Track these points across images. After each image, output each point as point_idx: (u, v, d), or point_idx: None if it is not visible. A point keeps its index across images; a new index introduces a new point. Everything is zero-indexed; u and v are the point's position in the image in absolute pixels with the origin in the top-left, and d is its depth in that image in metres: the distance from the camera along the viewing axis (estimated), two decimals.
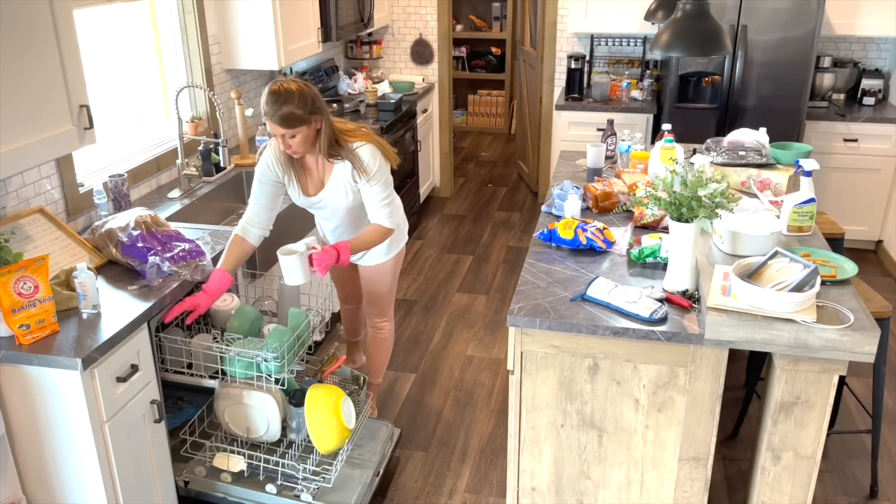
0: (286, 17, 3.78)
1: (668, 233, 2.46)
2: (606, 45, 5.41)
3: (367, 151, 2.57)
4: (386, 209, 2.66)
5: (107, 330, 2.13)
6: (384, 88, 5.18)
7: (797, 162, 2.84)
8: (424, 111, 5.47)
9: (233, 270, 2.61)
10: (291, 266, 2.46)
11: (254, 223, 2.69)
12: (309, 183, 2.69)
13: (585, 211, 2.95)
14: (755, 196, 2.79)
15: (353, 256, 2.68)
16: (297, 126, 2.44)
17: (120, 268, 2.51)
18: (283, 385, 2.51)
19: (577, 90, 5.14)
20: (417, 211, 5.40)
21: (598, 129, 4.90)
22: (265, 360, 2.42)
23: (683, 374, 2.13)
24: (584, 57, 5.12)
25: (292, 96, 2.41)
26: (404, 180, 4.96)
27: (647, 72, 5.29)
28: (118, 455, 2.18)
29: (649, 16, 4.39)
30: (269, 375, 2.47)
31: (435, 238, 5.28)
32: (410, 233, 5.17)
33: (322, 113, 2.50)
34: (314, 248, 2.52)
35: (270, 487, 2.56)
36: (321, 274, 2.51)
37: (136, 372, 2.23)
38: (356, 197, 2.68)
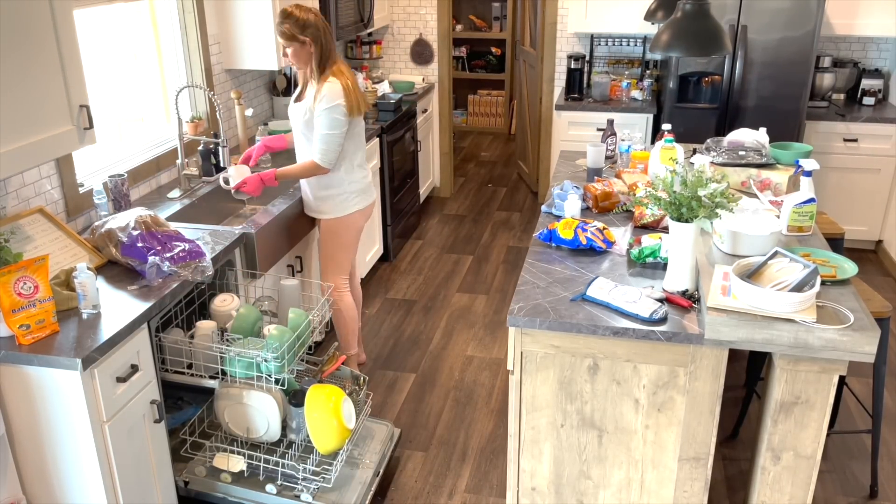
0: None
1: (668, 233, 2.46)
2: (606, 45, 5.42)
3: (328, 87, 2.90)
4: (321, 144, 2.95)
5: (107, 330, 2.13)
6: (384, 88, 5.18)
7: (797, 162, 2.84)
8: (424, 111, 5.47)
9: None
10: (235, 170, 3.04)
11: None
12: (303, 93, 3.08)
13: (585, 211, 2.95)
14: (755, 196, 2.79)
15: (314, 211, 3.17)
16: (290, 41, 2.92)
17: (120, 268, 2.51)
18: (283, 385, 2.51)
19: (577, 90, 5.14)
20: (417, 211, 5.41)
21: (598, 129, 4.90)
22: (265, 361, 2.42)
23: (683, 374, 2.13)
24: (584, 57, 5.12)
25: (292, 17, 2.90)
26: (404, 180, 4.96)
27: (647, 72, 5.29)
28: (118, 455, 2.18)
29: (649, 16, 4.39)
30: (270, 375, 2.47)
31: (435, 238, 5.28)
32: (409, 233, 5.23)
33: (316, 41, 2.91)
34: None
35: (270, 487, 2.56)
36: (247, 188, 2.99)
37: (136, 372, 2.23)
38: (305, 122, 2.99)
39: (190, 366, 2.56)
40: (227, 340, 2.54)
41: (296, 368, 2.56)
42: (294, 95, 3.11)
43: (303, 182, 3.19)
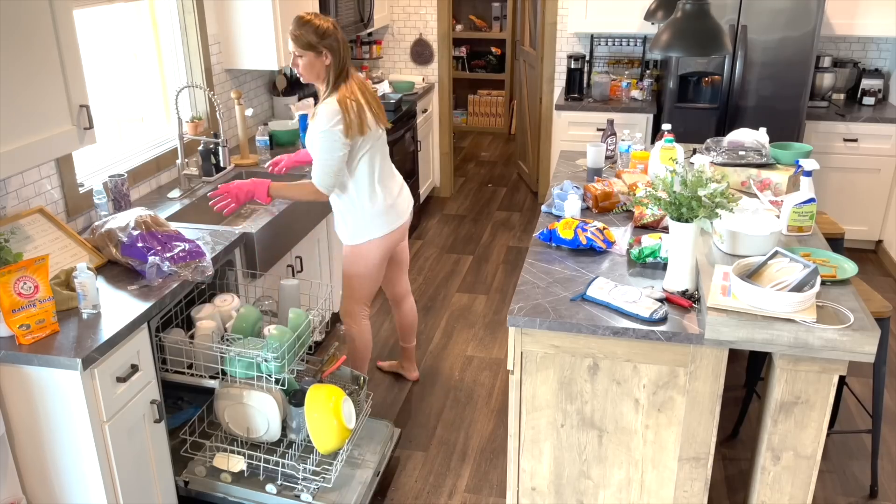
0: (286, 17, 3.77)
1: (668, 233, 2.46)
2: (606, 45, 5.42)
3: (323, 108, 2.71)
4: (317, 167, 2.75)
5: (107, 330, 2.13)
6: (384, 88, 5.18)
7: (797, 162, 2.84)
8: (424, 111, 5.47)
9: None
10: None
11: None
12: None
13: (585, 211, 2.95)
14: (755, 196, 2.79)
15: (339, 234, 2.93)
16: (304, 49, 2.71)
17: (120, 268, 2.51)
18: (283, 385, 2.51)
19: (577, 90, 5.14)
20: (417, 211, 5.40)
21: (598, 129, 4.90)
22: (265, 361, 2.42)
23: (683, 374, 2.13)
24: (584, 57, 5.12)
25: (310, 25, 2.71)
26: (404, 180, 4.96)
27: (647, 72, 5.29)
28: (118, 455, 2.18)
29: (649, 16, 4.39)
30: (270, 375, 2.47)
31: (435, 238, 5.28)
32: (409, 233, 5.21)
33: (334, 53, 2.72)
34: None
35: (270, 487, 2.56)
36: (230, 193, 2.81)
37: (136, 372, 2.23)
38: (310, 145, 2.79)
39: (190, 366, 2.56)
40: (228, 340, 2.54)
41: (296, 368, 2.56)
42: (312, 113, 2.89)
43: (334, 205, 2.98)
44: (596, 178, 3.14)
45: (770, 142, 3.12)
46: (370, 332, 3.21)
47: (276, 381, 2.50)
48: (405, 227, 3.07)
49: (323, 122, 2.69)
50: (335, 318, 3.83)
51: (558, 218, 2.85)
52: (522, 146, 6.41)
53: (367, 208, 2.89)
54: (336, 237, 3.24)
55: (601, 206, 2.91)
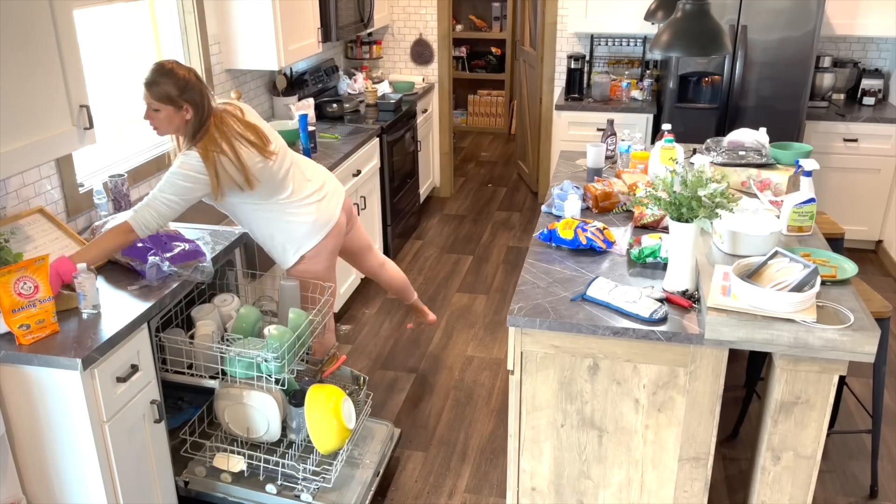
0: (286, 17, 3.78)
1: (668, 233, 2.46)
2: (606, 45, 5.42)
3: (181, 158, 2.45)
4: (145, 200, 2.44)
5: (107, 330, 2.13)
6: (384, 88, 5.18)
7: (797, 162, 2.84)
8: (424, 111, 5.47)
9: None
10: None
11: None
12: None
13: (585, 211, 2.95)
14: (755, 196, 2.79)
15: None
16: (162, 102, 2.42)
17: (120, 268, 2.51)
18: (283, 385, 2.51)
19: (577, 90, 5.14)
20: (417, 211, 5.41)
21: (598, 129, 4.90)
22: (266, 361, 2.42)
23: (683, 374, 2.13)
24: (584, 57, 5.12)
25: (174, 75, 2.41)
26: (404, 180, 4.97)
27: (647, 72, 5.29)
28: (118, 455, 2.18)
29: (649, 16, 4.39)
30: (270, 375, 2.47)
31: (435, 238, 5.28)
32: (409, 233, 5.23)
33: (195, 106, 2.43)
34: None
35: (270, 487, 2.56)
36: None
37: (136, 372, 2.23)
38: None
39: (190, 366, 2.56)
40: (228, 340, 2.54)
41: (296, 368, 2.56)
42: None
43: (269, 246, 2.77)
44: (596, 178, 3.14)
45: (770, 142, 3.12)
46: (335, 347, 3.09)
47: (277, 382, 2.50)
48: (340, 226, 2.84)
49: (176, 169, 2.43)
50: (336, 317, 3.83)
51: (558, 218, 2.85)
52: (522, 146, 6.41)
53: (288, 235, 2.71)
54: None
55: (601, 206, 2.91)
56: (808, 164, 2.62)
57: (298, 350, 2.54)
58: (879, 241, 4.88)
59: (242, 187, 2.54)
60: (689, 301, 2.20)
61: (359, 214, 3.47)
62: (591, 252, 2.59)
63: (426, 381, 3.58)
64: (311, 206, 2.73)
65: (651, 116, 4.87)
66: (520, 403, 2.31)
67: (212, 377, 2.57)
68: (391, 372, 3.64)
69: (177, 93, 2.41)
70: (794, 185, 2.80)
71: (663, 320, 2.12)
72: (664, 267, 2.43)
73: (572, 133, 5.00)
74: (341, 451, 2.64)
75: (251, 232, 2.76)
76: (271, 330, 2.52)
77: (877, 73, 4.93)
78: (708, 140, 3.19)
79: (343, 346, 3.84)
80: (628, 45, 5.39)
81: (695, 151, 3.38)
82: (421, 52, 5.67)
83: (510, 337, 2.22)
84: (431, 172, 5.88)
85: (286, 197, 2.67)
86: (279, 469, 2.57)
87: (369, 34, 5.57)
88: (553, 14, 5.37)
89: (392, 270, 3.43)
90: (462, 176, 6.65)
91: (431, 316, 3.62)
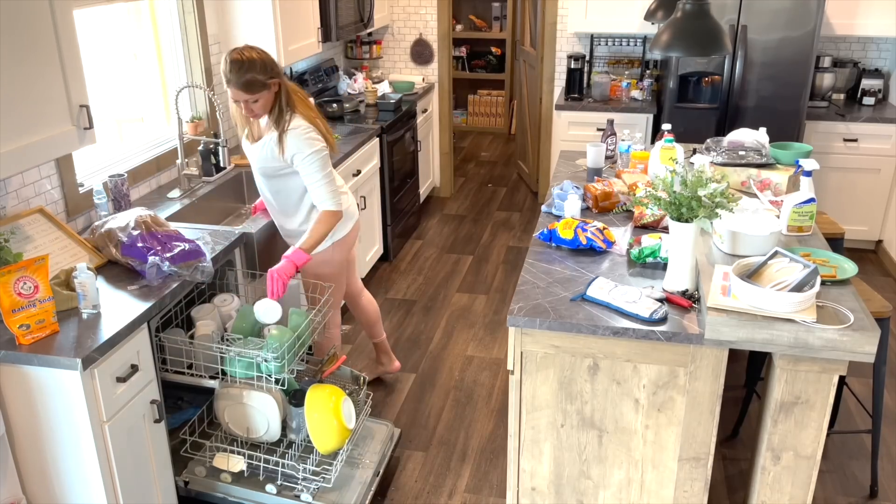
0: (286, 17, 3.77)
1: (668, 233, 2.46)
2: (606, 45, 5.41)
3: (294, 135, 2.61)
4: (321, 189, 2.67)
5: (107, 330, 2.13)
6: (384, 88, 5.18)
7: (797, 162, 2.84)
8: (424, 111, 5.47)
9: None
10: (266, 308, 2.56)
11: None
12: (252, 128, 2.76)
13: (585, 211, 2.95)
14: (755, 196, 2.79)
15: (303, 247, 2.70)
16: (259, 91, 2.56)
17: (120, 268, 2.51)
18: (283, 385, 2.51)
19: (577, 90, 5.14)
20: (417, 211, 5.41)
21: (598, 129, 4.90)
22: (266, 361, 2.42)
23: (683, 374, 2.13)
24: (584, 57, 5.12)
25: (254, 64, 2.53)
26: (404, 180, 4.96)
27: (647, 72, 5.29)
28: (118, 455, 2.18)
29: (649, 16, 4.39)
30: (270, 375, 2.47)
31: (435, 238, 5.28)
32: (409, 233, 5.23)
33: (280, 76, 2.61)
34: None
35: (270, 487, 2.56)
36: (277, 291, 2.59)
37: (136, 372, 2.23)
38: (270, 169, 2.71)
39: (190, 366, 2.56)
40: (228, 340, 2.54)
41: (296, 368, 2.56)
42: (248, 133, 2.77)
43: (276, 216, 2.91)
44: (596, 178, 3.14)
45: (770, 142, 3.12)
46: (339, 340, 3.16)
47: (277, 382, 2.50)
48: (359, 223, 3.03)
49: (301, 147, 2.61)
50: None
51: (558, 218, 2.85)
52: (522, 146, 6.41)
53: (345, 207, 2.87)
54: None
55: (601, 206, 2.91)
56: (808, 164, 2.62)
57: (298, 350, 2.54)
58: (879, 241, 4.88)
59: (332, 150, 2.72)
60: (689, 301, 2.20)
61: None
62: (591, 252, 2.59)
63: (426, 381, 3.58)
64: (345, 196, 2.90)
65: (651, 116, 4.87)
66: (520, 403, 2.31)
67: (212, 377, 2.57)
68: (391, 374, 3.64)
69: (263, 77, 2.56)
70: (794, 185, 2.80)
71: (663, 320, 2.12)
72: (664, 267, 2.43)
73: (572, 133, 5.00)
74: (341, 451, 2.64)
75: (294, 211, 2.82)
76: (271, 330, 2.52)
77: (877, 73, 4.93)
78: (708, 140, 3.19)
79: (343, 346, 3.84)
80: (628, 45, 5.39)
81: (695, 151, 3.38)
82: (421, 52, 5.67)
83: (510, 337, 2.22)
84: (431, 172, 5.88)
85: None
86: (279, 469, 2.57)
87: (369, 34, 5.57)
88: (553, 14, 5.37)
89: (369, 297, 3.44)
90: (462, 176, 6.65)
91: (396, 364, 3.56)
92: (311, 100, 2.83)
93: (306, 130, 2.63)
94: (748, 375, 3.28)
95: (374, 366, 3.56)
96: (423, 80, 5.66)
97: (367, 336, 3.53)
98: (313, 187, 2.68)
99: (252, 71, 2.52)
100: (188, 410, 2.85)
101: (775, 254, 2.16)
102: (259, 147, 2.71)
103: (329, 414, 2.49)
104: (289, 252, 2.66)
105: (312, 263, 2.85)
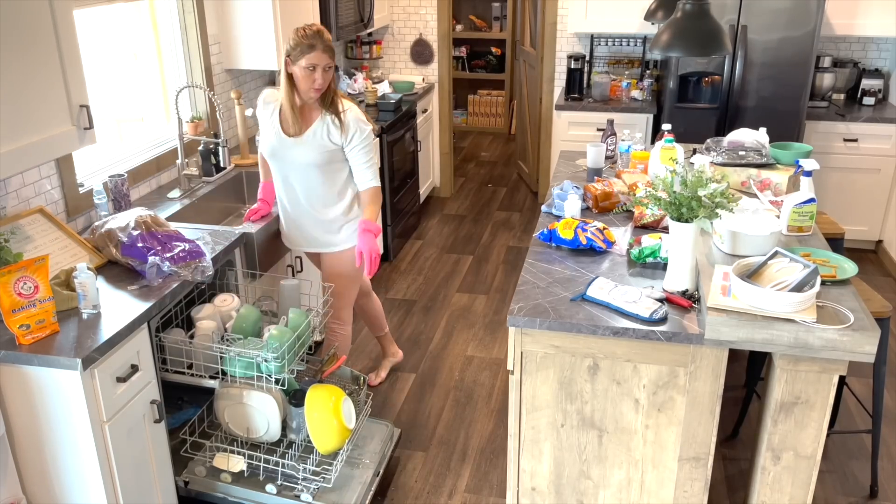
0: (286, 17, 3.77)
1: (668, 233, 2.46)
2: (606, 45, 5.42)
3: (354, 114, 2.76)
4: (372, 168, 2.83)
5: (107, 330, 2.13)
6: (384, 88, 5.18)
7: (797, 162, 2.84)
8: (424, 111, 5.47)
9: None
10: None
11: None
12: (291, 122, 2.74)
13: (585, 211, 2.95)
14: (755, 196, 2.79)
15: (321, 245, 2.93)
16: (334, 59, 2.69)
17: (120, 268, 2.51)
18: (283, 385, 2.51)
19: (577, 90, 5.14)
20: (417, 211, 5.40)
21: (598, 129, 4.90)
22: (266, 361, 2.42)
23: (683, 374, 2.13)
24: (584, 57, 5.12)
25: (328, 33, 2.68)
26: (404, 180, 4.96)
27: (647, 72, 5.29)
28: (118, 455, 2.18)
29: (649, 16, 4.39)
30: (270, 375, 2.47)
31: (435, 238, 5.28)
32: (409, 233, 5.22)
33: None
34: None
35: (270, 487, 2.56)
36: (373, 259, 2.78)
37: (136, 372, 2.23)
38: (325, 157, 2.75)
39: (190, 366, 2.56)
40: (228, 340, 2.54)
41: (296, 368, 2.56)
42: (275, 125, 2.75)
43: (308, 212, 2.88)
44: (596, 178, 3.14)
45: (770, 142, 3.12)
46: (335, 347, 3.12)
47: (276, 381, 2.50)
48: None
49: (360, 127, 2.75)
50: None
51: (558, 218, 2.85)
52: (522, 146, 6.41)
53: (357, 211, 2.91)
54: None
55: (601, 206, 2.91)
56: (808, 164, 2.62)
57: (298, 350, 2.54)
58: (879, 241, 4.88)
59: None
60: (689, 301, 2.20)
61: None
62: (591, 252, 2.59)
63: (426, 381, 3.59)
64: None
65: (651, 116, 4.87)
66: (520, 403, 2.31)
67: (211, 377, 2.57)
68: (391, 372, 3.64)
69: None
70: (794, 185, 2.80)
71: (663, 320, 2.12)
72: (664, 267, 2.43)
73: (572, 133, 5.00)
74: (341, 451, 2.64)
75: (339, 199, 2.86)
76: (271, 330, 2.52)
77: (877, 73, 4.93)
78: (708, 140, 3.19)
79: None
80: (628, 45, 5.39)
81: (695, 151, 3.38)
82: (421, 52, 5.67)
83: (510, 337, 2.22)
84: (431, 172, 5.88)
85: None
86: (279, 469, 2.57)
87: (369, 34, 5.57)
88: (553, 14, 5.37)
89: (374, 300, 3.47)
90: (462, 176, 6.65)
91: (399, 353, 3.65)
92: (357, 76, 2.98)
93: (359, 112, 2.78)
94: (748, 375, 3.28)
95: (383, 362, 3.60)
96: (423, 80, 5.66)
97: (372, 331, 3.56)
98: (365, 166, 2.81)
99: (329, 39, 2.66)
100: (188, 410, 2.85)
101: (775, 254, 2.16)
102: (310, 136, 2.73)
103: (329, 414, 2.49)
104: (359, 229, 2.80)
105: (338, 262, 2.95)
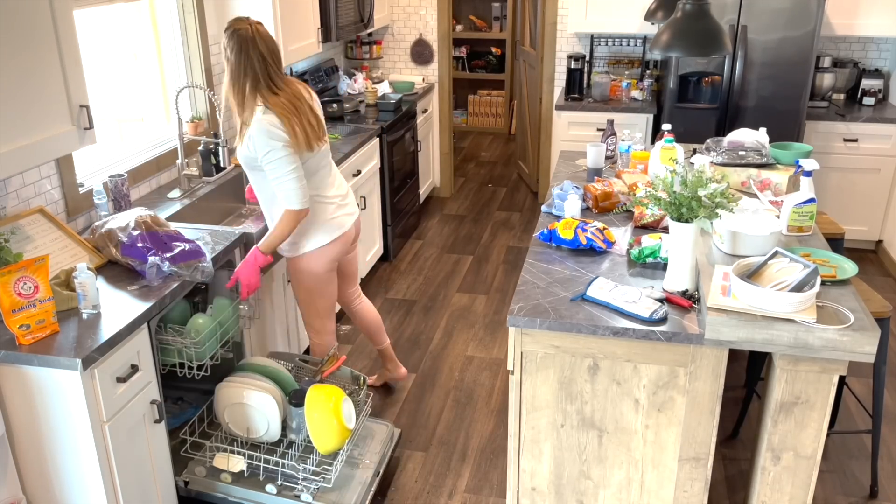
0: (286, 17, 3.77)
1: (668, 233, 2.46)
2: (606, 45, 5.42)
3: (255, 127, 2.54)
4: (281, 187, 2.55)
5: (107, 330, 2.13)
6: (384, 88, 5.18)
7: (797, 162, 2.84)
8: (424, 111, 5.47)
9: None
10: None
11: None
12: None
13: (585, 211, 2.95)
14: (755, 196, 2.80)
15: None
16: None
17: (120, 268, 2.51)
18: (206, 372, 2.56)
19: (577, 90, 5.14)
20: (417, 211, 5.41)
21: (598, 129, 4.90)
22: (186, 348, 2.47)
23: (683, 374, 2.13)
24: (584, 57, 5.12)
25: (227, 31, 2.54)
26: (404, 180, 4.97)
27: (647, 72, 5.29)
28: (118, 455, 2.18)
29: (649, 16, 4.39)
30: (192, 361, 2.51)
31: (435, 238, 5.28)
32: (409, 233, 5.22)
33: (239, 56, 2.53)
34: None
35: (270, 487, 2.56)
36: (246, 284, 2.64)
37: (136, 372, 2.23)
38: (246, 162, 2.66)
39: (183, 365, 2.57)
40: (171, 330, 2.56)
41: (219, 354, 2.61)
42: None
43: (267, 217, 2.82)
44: (596, 178, 3.14)
45: (770, 142, 3.12)
46: (335, 347, 3.08)
47: (199, 368, 2.55)
48: (347, 237, 2.87)
49: (258, 142, 2.53)
50: (336, 318, 3.82)
51: (558, 218, 2.85)
52: (522, 146, 6.41)
53: (312, 220, 2.74)
54: None
55: (601, 207, 2.91)
56: (808, 164, 2.62)
57: (221, 337, 2.60)
58: (879, 241, 4.88)
59: (305, 148, 2.61)
60: (689, 301, 2.20)
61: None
62: (591, 252, 2.59)
63: (426, 381, 3.58)
64: (330, 207, 2.80)
65: (651, 116, 4.87)
66: (520, 403, 2.31)
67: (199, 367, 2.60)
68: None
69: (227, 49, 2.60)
70: (794, 185, 2.80)
71: (663, 320, 2.12)
72: (664, 267, 2.43)
73: (572, 133, 5.00)
74: (341, 451, 2.64)
75: (272, 205, 2.73)
76: (197, 320, 2.56)
77: (877, 73, 4.93)
78: (708, 140, 3.19)
79: (343, 346, 3.84)
80: (628, 45, 5.39)
81: (695, 151, 3.38)
82: (421, 52, 5.67)
83: (510, 337, 2.22)
84: (431, 172, 5.88)
85: (315, 185, 2.74)
86: (279, 469, 2.57)
87: (369, 34, 5.57)
88: (553, 14, 5.37)
89: (368, 305, 3.36)
90: (462, 176, 6.65)
91: (403, 370, 3.49)
92: (314, 94, 2.80)
93: (265, 127, 2.53)
94: (748, 375, 3.28)
95: (382, 371, 3.53)
96: (423, 80, 5.66)
97: (371, 344, 3.49)
98: (275, 183, 2.58)
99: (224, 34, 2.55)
100: (188, 410, 2.85)
101: (775, 254, 2.16)
102: (244, 138, 2.64)
103: (329, 414, 2.50)
104: (249, 252, 2.66)
105: (292, 269, 2.86)
